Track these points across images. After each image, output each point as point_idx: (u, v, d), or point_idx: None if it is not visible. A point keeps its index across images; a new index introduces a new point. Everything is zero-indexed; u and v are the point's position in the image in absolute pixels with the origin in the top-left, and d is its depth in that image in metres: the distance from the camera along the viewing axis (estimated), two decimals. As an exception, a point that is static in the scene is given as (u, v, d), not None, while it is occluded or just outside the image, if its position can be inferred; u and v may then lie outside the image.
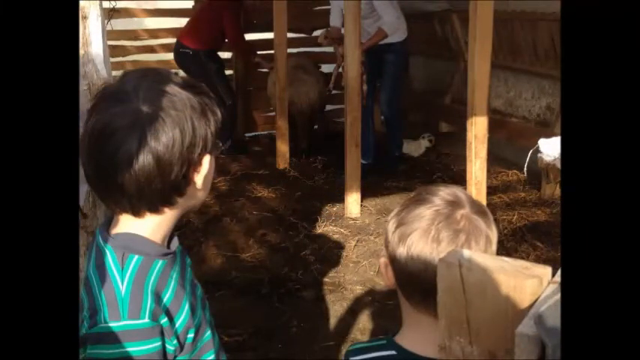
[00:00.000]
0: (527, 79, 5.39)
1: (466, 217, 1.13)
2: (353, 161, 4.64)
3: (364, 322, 3.35)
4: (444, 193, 1.17)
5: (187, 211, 1.18)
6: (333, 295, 3.62)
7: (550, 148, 2.09)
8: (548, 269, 0.77)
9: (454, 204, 1.14)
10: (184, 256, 1.24)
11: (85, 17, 1.55)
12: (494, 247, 1.15)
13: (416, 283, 1.13)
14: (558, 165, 2.16)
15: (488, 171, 4.05)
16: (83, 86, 1.63)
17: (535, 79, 5.28)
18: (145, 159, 1.03)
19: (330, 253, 4.14)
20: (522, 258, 3.94)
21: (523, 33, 5.07)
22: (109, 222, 1.15)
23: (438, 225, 1.12)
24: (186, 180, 1.09)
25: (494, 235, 1.15)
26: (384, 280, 1.23)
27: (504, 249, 4.06)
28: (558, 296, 0.73)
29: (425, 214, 1.14)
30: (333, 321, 3.41)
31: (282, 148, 5.68)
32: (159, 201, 1.09)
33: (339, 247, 4.22)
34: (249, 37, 6.55)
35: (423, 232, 1.12)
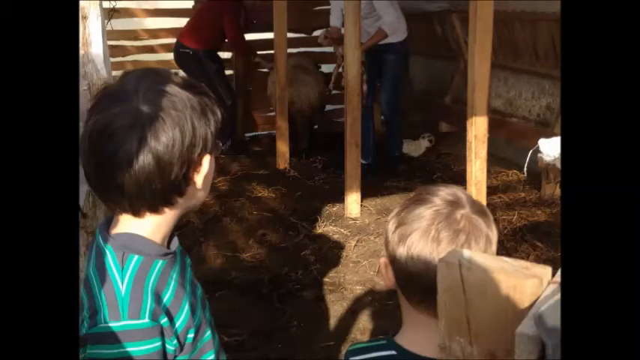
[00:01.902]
0: (527, 79, 5.39)
1: (466, 217, 1.13)
2: (353, 161, 4.64)
3: (364, 322, 3.35)
4: (444, 193, 1.17)
5: (187, 211, 1.18)
6: (333, 295, 3.62)
7: (550, 148, 2.09)
8: (548, 269, 0.77)
9: (454, 204, 1.14)
10: (184, 256, 1.24)
11: (85, 17, 1.55)
12: (494, 247, 1.15)
13: (416, 283, 1.13)
14: (558, 165, 2.16)
15: (488, 171, 4.05)
16: (83, 86, 1.63)
17: (535, 79, 5.28)
18: (145, 159, 1.03)
19: (330, 253, 4.14)
20: (522, 258, 3.94)
21: (523, 33, 5.07)
22: (109, 222, 1.15)
23: (438, 225, 1.12)
24: (186, 180, 1.09)
25: (494, 236, 1.15)
26: (384, 281, 1.23)
27: (504, 249, 4.06)
28: (558, 296, 0.73)
29: (425, 214, 1.13)
30: (333, 321, 3.41)
31: (282, 148, 5.69)
32: (159, 201, 1.09)
33: (339, 247, 4.22)
34: (249, 37, 6.55)
35: (423, 232, 1.12)
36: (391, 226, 1.17)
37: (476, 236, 1.12)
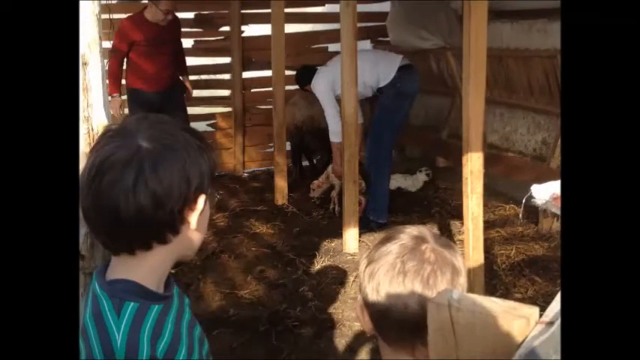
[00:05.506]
0: (522, 115, 5.45)
1: (431, 249, 1.16)
2: (350, 197, 4.66)
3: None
4: (410, 229, 1.21)
5: (183, 256, 1.19)
6: (332, 332, 3.60)
7: (542, 193, 2.14)
8: (536, 309, 0.78)
9: (419, 238, 1.18)
10: (182, 297, 1.25)
11: (85, 64, 1.60)
12: (463, 277, 1.17)
13: (388, 319, 1.14)
14: (551, 208, 2.21)
15: (485, 205, 4.06)
16: (83, 130, 1.66)
17: (530, 115, 5.34)
18: (141, 194, 1.04)
19: (329, 289, 4.13)
20: (521, 293, 3.94)
21: (517, 70, 5.14)
22: (107, 267, 1.16)
23: (404, 257, 1.14)
24: (181, 217, 1.10)
25: (461, 265, 1.17)
26: (362, 325, 1.23)
27: (503, 284, 4.05)
28: (551, 331, 0.75)
29: (391, 248, 1.17)
30: (331, 358, 3.38)
31: (281, 183, 5.71)
32: (153, 236, 1.10)
33: (337, 283, 4.21)
34: (247, 74, 6.65)
35: (390, 266, 1.15)
36: (362, 266, 1.20)
37: (441, 266, 1.14)
